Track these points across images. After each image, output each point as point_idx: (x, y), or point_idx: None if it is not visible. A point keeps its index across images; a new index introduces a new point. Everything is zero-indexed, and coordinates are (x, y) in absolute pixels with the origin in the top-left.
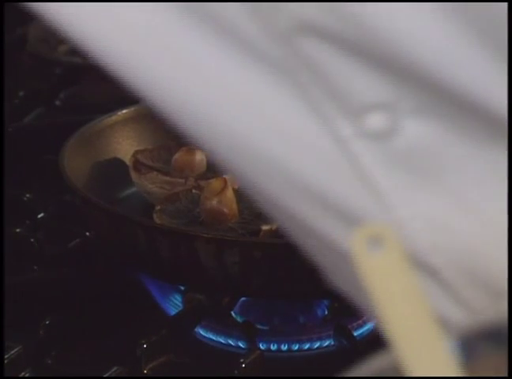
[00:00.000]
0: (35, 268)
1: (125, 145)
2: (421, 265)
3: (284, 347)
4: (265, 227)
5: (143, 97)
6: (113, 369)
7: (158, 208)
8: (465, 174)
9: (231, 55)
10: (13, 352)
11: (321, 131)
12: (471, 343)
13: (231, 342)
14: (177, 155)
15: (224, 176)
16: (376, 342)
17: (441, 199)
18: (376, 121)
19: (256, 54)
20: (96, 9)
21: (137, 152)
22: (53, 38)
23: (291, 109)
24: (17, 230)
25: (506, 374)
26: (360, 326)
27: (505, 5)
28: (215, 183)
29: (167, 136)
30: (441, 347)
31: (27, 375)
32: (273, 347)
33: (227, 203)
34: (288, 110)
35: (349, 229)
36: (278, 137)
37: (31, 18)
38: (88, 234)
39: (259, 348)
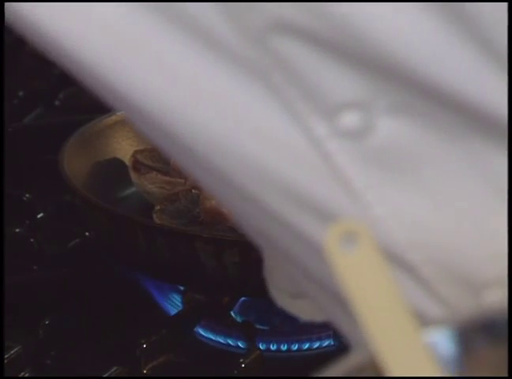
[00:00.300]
0: (35, 268)
1: (124, 145)
2: (398, 262)
3: (284, 347)
4: None
5: (114, 101)
6: (113, 369)
7: (158, 208)
8: (441, 171)
9: (204, 55)
10: (12, 352)
11: (296, 130)
12: (466, 336)
13: (230, 342)
14: None
15: None
16: None
17: (417, 196)
18: (350, 119)
19: (229, 53)
20: (68, 9)
21: (136, 152)
22: None
23: (264, 108)
24: (17, 230)
25: (502, 367)
26: None
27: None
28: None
29: None
30: (419, 344)
31: (26, 375)
32: (273, 347)
33: None
34: (262, 109)
35: (326, 227)
36: (253, 137)
37: None
38: (87, 234)
39: (259, 348)
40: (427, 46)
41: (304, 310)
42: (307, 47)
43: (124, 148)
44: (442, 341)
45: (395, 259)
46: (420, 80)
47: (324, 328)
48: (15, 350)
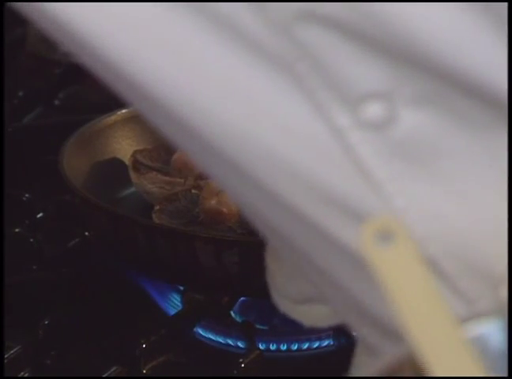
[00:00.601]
0: (35, 268)
1: (124, 145)
2: None
3: (284, 347)
4: None
5: (137, 99)
6: (112, 369)
7: (157, 207)
8: (463, 164)
9: (226, 44)
10: (12, 352)
11: (318, 121)
12: None
13: (230, 342)
14: (176, 155)
15: None
16: None
17: (438, 188)
18: (373, 110)
19: (252, 42)
20: (101, 9)
21: (136, 152)
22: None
23: (287, 99)
24: (17, 230)
25: None
26: None
27: None
28: (214, 183)
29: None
30: (460, 341)
31: (26, 375)
32: (272, 347)
33: (226, 203)
34: (285, 100)
35: (347, 220)
36: (275, 127)
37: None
38: (87, 234)
39: (258, 348)
40: (465, 44)
41: (307, 316)
42: (332, 37)
43: (124, 148)
44: (494, 332)
45: None
46: (450, 74)
47: (323, 328)
48: (15, 350)
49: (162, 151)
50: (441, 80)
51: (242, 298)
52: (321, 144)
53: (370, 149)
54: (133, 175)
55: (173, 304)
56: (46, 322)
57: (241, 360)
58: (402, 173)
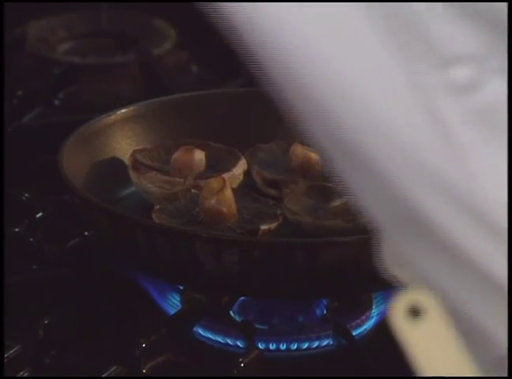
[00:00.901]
0: (34, 267)
1: (124, 145)
2: (487, 223)
3: (283, 347)
4: (263, 227)
5: (300, 96)
6: (112, 369)
7: (157, 207)
8: None
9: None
10: (12, 352)
11: (406, 76)
12: None
13: (229, 341)
14: (176, 155)
15: (223, 175)
16: (375, 341)
17: None
18: (462, 73)
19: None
20: (298, 9)
21: (135, 152)
22: (52, 37)
23: (379, 49)
24: (16, 229)
25: None
26: (359, 325)
27: None
28: (214, 183)
29: (166, 136)
30: None
31: (26, 375)
32: (272, 347)
33: (226, 202)
34: (377, 51)
35: (426, 184)
36: (367, 80)
37: (30, 17)
38: (86, 233)
39: (258, 348)
40: None
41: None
42: None
43: (123, 148)
44: None
45: (484, 219)
46: None
47: (323, 328)
48: (14, 349)
49: (162, 151)
50: None
51: (241, 298)
52: (406, 99)
53: (454, 110)
54: (132, 175)
55: (173, 303)
56: (45, 322)
57: (240, 360)
58: (483, 138)
